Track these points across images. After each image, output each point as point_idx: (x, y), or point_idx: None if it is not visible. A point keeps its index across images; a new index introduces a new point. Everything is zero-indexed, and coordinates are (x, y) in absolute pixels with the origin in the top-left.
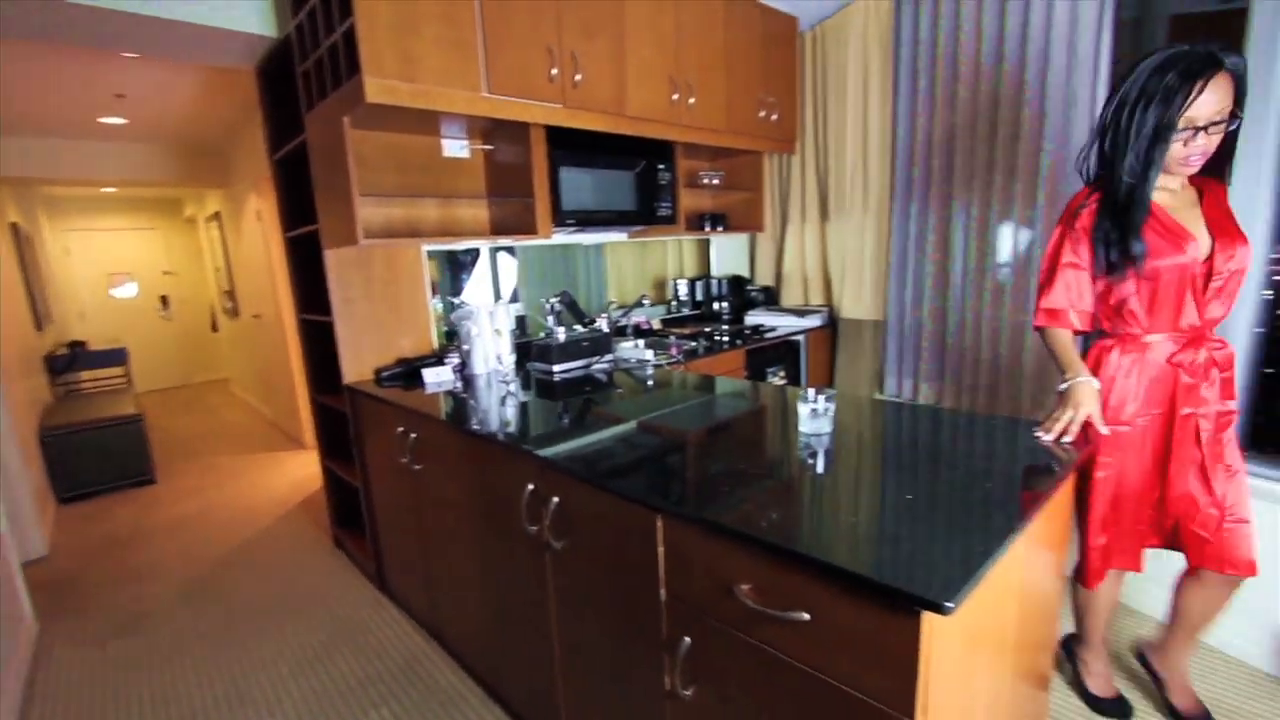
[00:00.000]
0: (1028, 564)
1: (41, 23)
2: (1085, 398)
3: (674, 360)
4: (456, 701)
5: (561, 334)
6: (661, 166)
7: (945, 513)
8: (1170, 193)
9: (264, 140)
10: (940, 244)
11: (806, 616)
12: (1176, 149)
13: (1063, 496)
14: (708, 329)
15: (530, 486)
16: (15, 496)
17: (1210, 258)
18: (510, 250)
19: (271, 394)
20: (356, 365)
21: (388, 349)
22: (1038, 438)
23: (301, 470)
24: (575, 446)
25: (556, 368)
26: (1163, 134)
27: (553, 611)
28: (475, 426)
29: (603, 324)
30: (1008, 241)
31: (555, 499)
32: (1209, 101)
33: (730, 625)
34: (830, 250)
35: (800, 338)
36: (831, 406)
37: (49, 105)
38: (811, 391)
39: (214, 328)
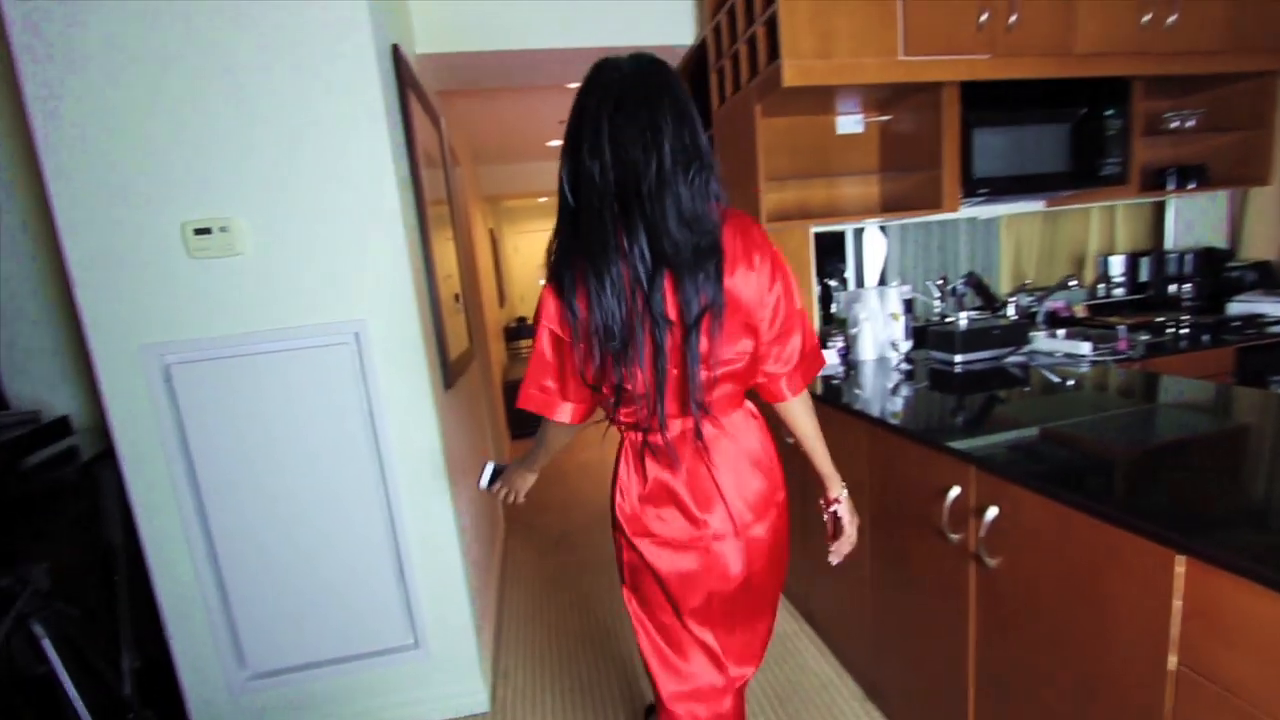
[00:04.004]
0: None
1: (506, 69)
2: None
3: (1121, 356)
4: (829, 689)
5: (964, 320)
6: (1110, 112)
7: None
8: None
9: None
10: None
11: None
12: None
13: None
14: (1160, 319)
15: (957, 489)
16: (496, 431)
17: None
18: (882, 229)
19: None
20: None
21: None
22: None
23: None
24: (1021, 450)
25: (958, 358)
26: None
27: (971, 636)
28: (878, 415)
29: (1010, 310)
30: None
31: (994, 509)
32: None
33: None
34: None
35: None
36: None
37: (510, 137)
38: None
39: None
